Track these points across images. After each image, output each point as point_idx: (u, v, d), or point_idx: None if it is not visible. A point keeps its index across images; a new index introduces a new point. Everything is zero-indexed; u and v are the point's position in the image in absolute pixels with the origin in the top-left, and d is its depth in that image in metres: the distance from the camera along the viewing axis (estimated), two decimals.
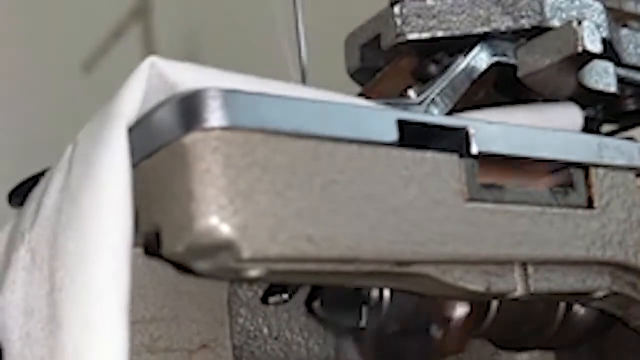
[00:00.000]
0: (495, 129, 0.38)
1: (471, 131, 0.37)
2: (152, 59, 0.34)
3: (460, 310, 0.43)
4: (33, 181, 0.40)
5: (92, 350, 0.31)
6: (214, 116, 0.32)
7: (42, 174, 0.40)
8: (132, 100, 0.33)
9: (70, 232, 0.33)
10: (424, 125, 0.36)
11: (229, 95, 0.32)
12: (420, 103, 0.43)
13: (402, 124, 0.36)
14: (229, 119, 0.32)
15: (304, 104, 0.34)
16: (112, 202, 0.32)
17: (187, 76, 0.33)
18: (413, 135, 0.36)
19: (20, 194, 0.40)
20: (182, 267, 0.34)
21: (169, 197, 0.32)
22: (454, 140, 0.37)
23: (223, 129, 0.31)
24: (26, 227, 0.36)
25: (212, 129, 0.31)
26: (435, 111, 0.43)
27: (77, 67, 1.43)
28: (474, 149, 0.37)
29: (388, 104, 0.40)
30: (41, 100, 1.45)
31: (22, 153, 1.44)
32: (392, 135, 0.35)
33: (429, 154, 0.36)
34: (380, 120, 0.35)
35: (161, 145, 0.33)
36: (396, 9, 0.47)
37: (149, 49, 1.40)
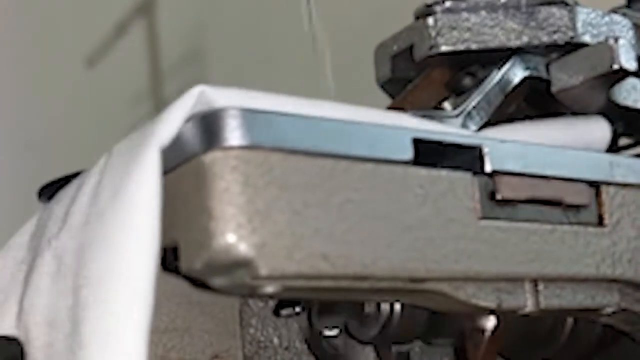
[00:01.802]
0: (509, 148, 0.39)
1: (485, 150, 0.38)
2: (201, 88, 0.34)
3: (493, 321, 0.44)
4: (64, 180, 0.40)
5: None
6: (234, 135, 0.32)
7: (75, 175, 0.40)
8: (169, 124, 0.33)
9: (97, 251, 0.33)
10: (439, 143, 0.37)
11: (248, 114, 0.32)
12: (457, 116, 0.43)
13: (417, 143, 0.36)
14: (248, 138, 0.32)
15: (322, 123, 0.34)
16: (140, 225, 0.32)
17: (235, 102, 0.34)
18: (428, 154, 0.36)
19: (50, 191, 0.40)
20: (197, 282, 0.35)
21: (188, 213, 0.32)
22: (468, 159, 0.38)
23: (242, 148, 0.32)
24: (53, 233, 0.36)
25: (232, 148, 0.32)
26: (472, 124, 0.43)
27: (81, 63, 1.43)
28: (488, 167, 0.38)
29: (425, 116, 0.41)
30: (45, 95, 1.45)
31: (27, 147, 1.44)
32: (408, 153, 0.36)
33: (443, 172, 0.36)
34: (396, 139, 0.36)
35: (181, 162, 0.33)
36: (430, 21, 0.47)
37: (153, 45, 1.40)
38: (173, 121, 0.33)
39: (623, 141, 0.54)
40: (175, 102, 0.34)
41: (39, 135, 1.43)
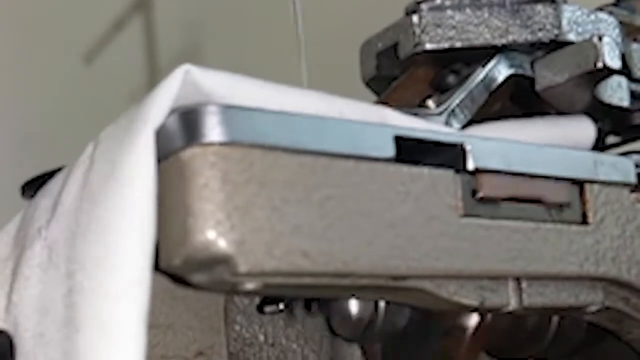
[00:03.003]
0: (491, 145, 0.39)
1: (467, 147, 0.38)
2: (186, 67, 0.33)
3: (475, 319, 0.44)
4: (49, 176, 0.40)
5: (107, 356, 0.31)
6: (213, 132, 0.32)
7: (58, 170, 0.40)
8: (159, 106, 0.33)
9: (91, 235, 0.33)
10: (420, 141, 0.37)
11: (228, 111, 0.32)
12: (440, 114, 0.43)
13: (399, 140, 0.36)
14: (227, 135, 0.32)
15: (302, 120, 0.34)
16: (135, 207, 0.32)
17: (222, 85, 0.33)
18: (410, 151, 0.36)
19: (34, 187, 0.40)
20: (177, 278, 0.35)
21: (167, 210, 0.32)
22: (451, 156, 0.38)
23: (221, 144, 0.32)
24: (42, 223, 0.36)
25: (211, 144, 0.32)
26: (455, 122, 0.43)
27: (78, 59, 1.43)
28: (470, 165, 0.38)
29: (408, 113, 0.41)
30: (43, 92, 1.45)
31: (24, 144, 1.44)
32: (389, 151, 0.36)
33: (425, 170, 0.36)
34: (378, 136, 0.36)
35: (160, 158, 0.33)
36: (415, 19, 0.47)
37: (150, 41, 1.40)
38: (162, 102, 0.33)
39: (610, 139, 0.54)
40: (162, 83, 0.33)
41: (36, 132, 1.43)
